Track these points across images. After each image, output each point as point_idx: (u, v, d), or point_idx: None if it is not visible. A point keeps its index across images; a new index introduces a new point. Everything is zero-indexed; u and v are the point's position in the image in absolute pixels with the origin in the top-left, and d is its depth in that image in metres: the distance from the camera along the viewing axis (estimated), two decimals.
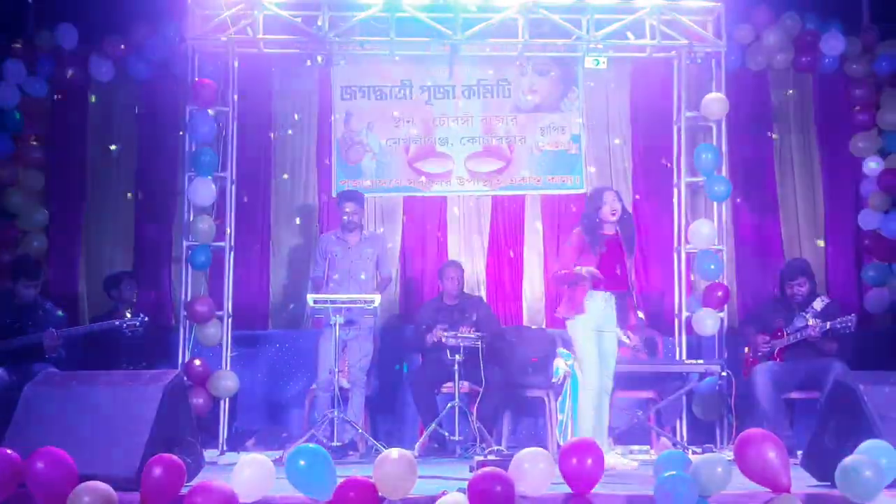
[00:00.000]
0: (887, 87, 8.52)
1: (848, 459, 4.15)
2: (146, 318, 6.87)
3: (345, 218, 7.42)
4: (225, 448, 7.33)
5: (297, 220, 8.52)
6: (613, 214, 6.20)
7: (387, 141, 8.52)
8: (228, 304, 7.59)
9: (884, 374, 4.94)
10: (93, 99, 8.54)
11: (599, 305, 6.12)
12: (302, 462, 4.18)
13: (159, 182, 8.47)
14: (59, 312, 6.98)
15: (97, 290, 8.12)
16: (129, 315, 6.86)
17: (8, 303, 6.82)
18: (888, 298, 8.30)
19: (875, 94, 8.55)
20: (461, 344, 6.96)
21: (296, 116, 8.60)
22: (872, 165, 8.42)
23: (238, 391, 7.57)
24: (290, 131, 8.58)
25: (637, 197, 8.59)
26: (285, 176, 8.55)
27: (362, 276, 7.36)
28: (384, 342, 7.91)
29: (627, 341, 7.00)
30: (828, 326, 6.82)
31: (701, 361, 7.09)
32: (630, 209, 8.40)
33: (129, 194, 8.50)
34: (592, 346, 6.11)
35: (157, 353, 7.70)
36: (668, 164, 8.17)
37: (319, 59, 7.83)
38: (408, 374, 7.87)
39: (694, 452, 6.74)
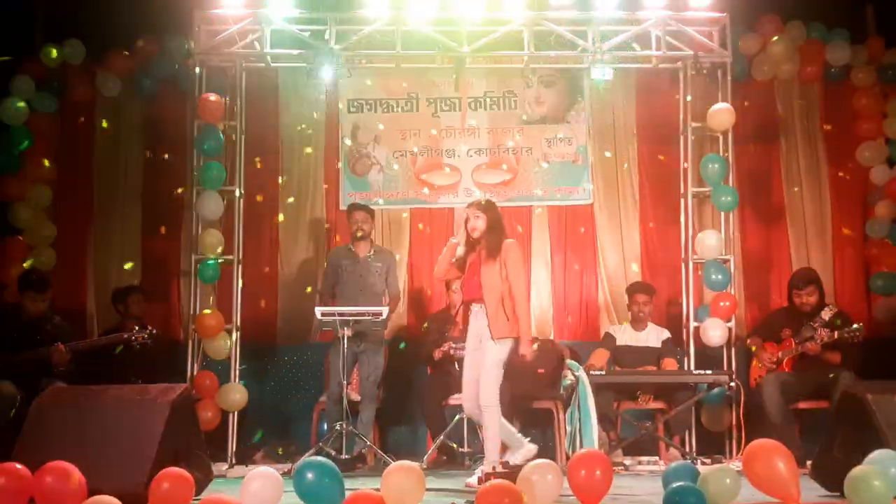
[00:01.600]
0: (893, 96, 8.52)
1: (857, 469, 4.14)
2: (154, 331, 6.86)
3: (354, 227, 7.42)
4: (233, 461, 7.33)
5: (310, 242, 8.51)
6: (472, 231, 6.06)
7: (394, 153, 8.54)
8: (237, 318, 7.60)
9: (892, 384, 4.93)
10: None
11: (477, 318, 6.02)
12: (310, 475, 4.18)
13: (167, 196, 8.49)
14: (67, 327, 6.98)
15: (105, 305, 8.14)
16: (137, 328, 6.85)
17: (16, 317, 6.83)
18: None
19: (881, 102, 8.54)
20: None
21: (303, 130, 8.61)
22: (880, 174, 8.42)
23: (247, 404, 7.57)
24: (297, 145, 8.60)
25: (644, 207, 8.60)
26: (291, 200, 8.56)
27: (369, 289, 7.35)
28: (392, 355, 7.91)
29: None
30: (836, 336, 6.81)
31: (709, 372, 7.07)
32: (637, 221, 8.49)
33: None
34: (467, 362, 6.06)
35: (165, 367, 7.70)
36: (675, 175, 8.16)
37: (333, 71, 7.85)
38: (417, 388, 7.86)
39: (703, 463, 6.72)
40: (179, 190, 8.37)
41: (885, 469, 4.14)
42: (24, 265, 8.03)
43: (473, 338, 6.04)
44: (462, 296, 6.17)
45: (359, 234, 7.42)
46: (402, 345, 8.16)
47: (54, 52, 8.35)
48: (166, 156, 8.52)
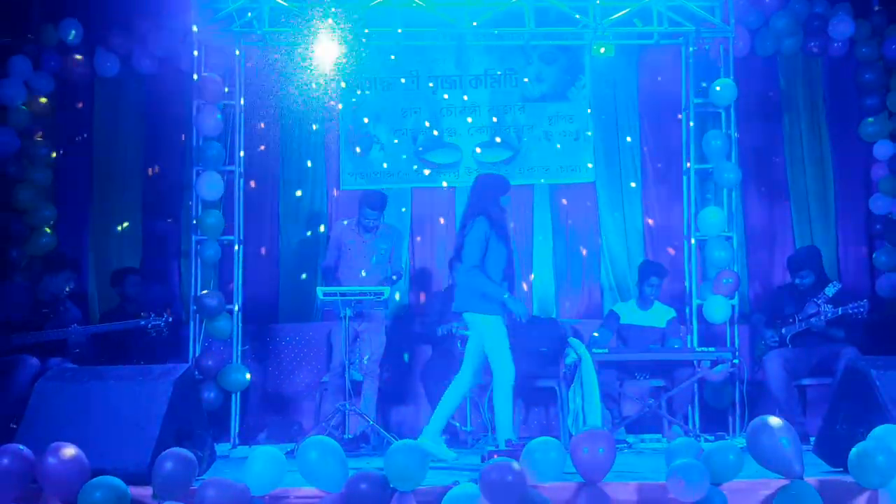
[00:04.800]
0: None
1: (861, 445, 4.13)
2: (171, 318, 6.90)
3: (366, 222, 7.22)
4: (237, 441, 7.35)
5: (311, 221, 8.50)
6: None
7: (395, 132, 8.50)
8: (238, 298, 7.59)
9: None
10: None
11: None
12: (313, 455, 4.18)
13: (167, 177, 8.47)
14: (77, 310, 7.00)
15: (106, 287, 8.11)
16: (153, 315, 6.85)
17: (28, 298, 6.85)
18: None
19: (885, 77, 8.49)
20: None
21: (303, 108, 8.56)
22: (883, 149, 8.39)
23: (249, 385, 7.58)
24: (297, 123, 8.55)
25: (646, 185, 8.57)
26: (291, 179, 8.53)
27: (363, 274, 7.24)
28: (394, 334, 7.90)
29: None
30: (840, 312, 6.81)
31: (712, 349, 7.06)
32: (639, 198, 8.49)
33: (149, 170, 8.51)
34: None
35: (167, 348, 7.70)
36: (677, 152, 8.13)
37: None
38: (420, 366, 7.85)
39: (706, 440, 6.73)
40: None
41: (890, 444, 4.14)
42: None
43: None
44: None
45: (370, 227, 7.27)
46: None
47: (52, 33, 8.30)
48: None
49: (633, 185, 8.55)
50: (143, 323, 6.84)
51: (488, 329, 5.92)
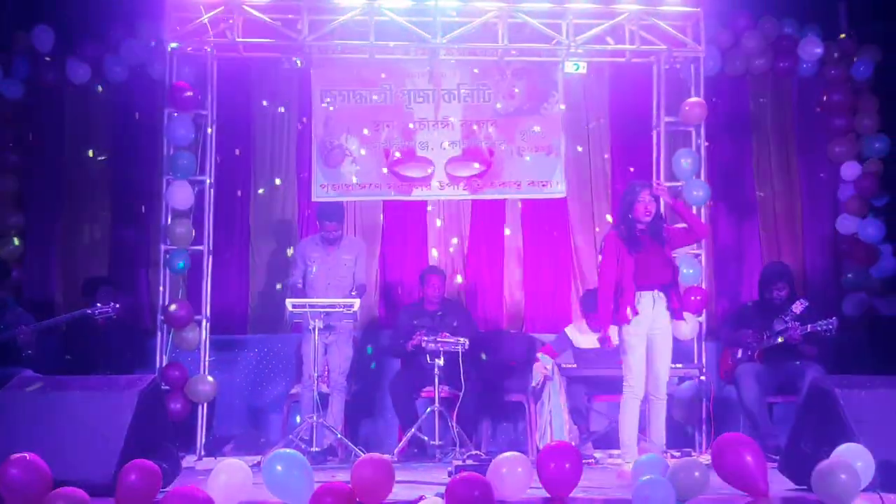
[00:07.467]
0: (865, 92, 8.59)
1: (824, 463, 4.17)
2: (118, 305, 6.84)
3: (326, 234, 7.34)
4: (203, 453, 7.28)
5: (281, 233, 8.47)
6: (647, 215, 5.95)
7: (367, 145, 8.49)
8: (207, 309, 7.54)
9: (860, 378, 4.97)
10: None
11: (648, 306, 5.90)
12: (279, 467, 4.16)
13: (136, 186, 8.41)
14: (30, 317, 6.91)
15: (74, 294, 8.05)
16: (99, 304, 6.80)
17: None
18: (866, 302, 8.35)
19: (853, 98, 8.61)
20: (441, 348, 6.95)
21: (275, 119, 8.57)
22: (850, 170, 8.49)
23: (216, 396, 7.53)
24: (269, 134, 8.55)
25: (616, 201, 8.60)
26: (261, 191, 8.52)
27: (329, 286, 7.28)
28: (363, 347, 7.89)
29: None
30: (809, 329, 6.84)
31: (680, 366, 7.08)
32: (610, 214, 8.53)
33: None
34: (642, 350, 5.89)
35: (134, 358, 7.65)
36: (648, 169, 8.18)
37: (299, 62, 7.81)
38: (388, 379, 7.83)
39: (672, 457, 6.75)
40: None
41: (852, 463, 4.17)
42: None
43: (642, 327, 5.87)
44: (648, 284, 5.90)
45: (330, 239, 7.36)
46: (370, 350, 8.09)
47: (23, 39, 8.24)
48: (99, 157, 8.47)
49: (604, 201, 8.59)
50: (89, 311, 6.79)
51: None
